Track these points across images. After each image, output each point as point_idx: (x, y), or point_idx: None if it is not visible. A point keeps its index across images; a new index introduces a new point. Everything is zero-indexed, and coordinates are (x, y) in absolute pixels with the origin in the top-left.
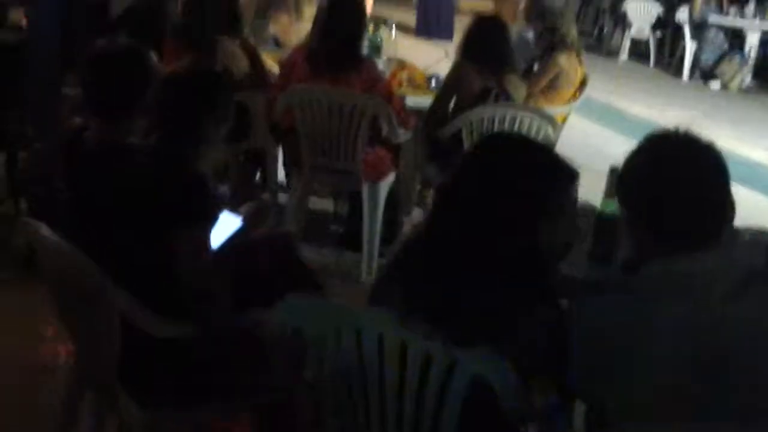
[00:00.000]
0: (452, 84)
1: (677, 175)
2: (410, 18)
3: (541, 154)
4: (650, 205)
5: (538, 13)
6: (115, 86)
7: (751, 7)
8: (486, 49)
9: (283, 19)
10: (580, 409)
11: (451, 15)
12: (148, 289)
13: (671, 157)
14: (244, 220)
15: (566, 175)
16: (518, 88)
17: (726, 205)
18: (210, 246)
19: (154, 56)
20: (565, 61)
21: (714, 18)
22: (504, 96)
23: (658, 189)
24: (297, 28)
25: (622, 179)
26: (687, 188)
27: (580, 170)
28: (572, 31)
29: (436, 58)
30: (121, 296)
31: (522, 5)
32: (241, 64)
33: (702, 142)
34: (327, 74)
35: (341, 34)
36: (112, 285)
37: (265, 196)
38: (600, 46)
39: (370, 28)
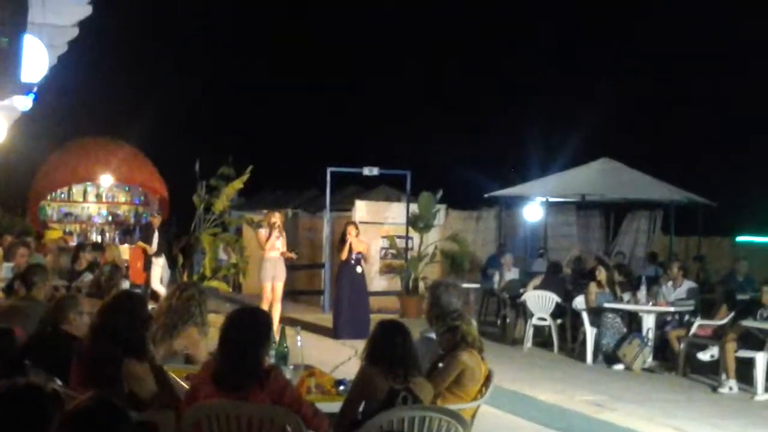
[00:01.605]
0: (359, 389)
1: None
2: (318, 318)
3: None
4: None
5: (439, 314)
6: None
7: (643, 292)
8: (390, 354)
9: (193, 334)
10: None
11: (367, 315)
12: None
13: None
14: None
15: None
16: (425, 389)
17: None
18: None
19: (57, 385)
20: (468, 358)
21: (609, 304)
22: (412, 397)
23: None
24: (208, 343)
25: None
26: None
27: None
28: (473, 330)
29: (345, 357)
30: None
31: (424, 305)
32: (148, 386)
33: None
34: (232, 392)
35: (242, 352)
36: None
37: None
38: (504, 335)
39: (276, 336)
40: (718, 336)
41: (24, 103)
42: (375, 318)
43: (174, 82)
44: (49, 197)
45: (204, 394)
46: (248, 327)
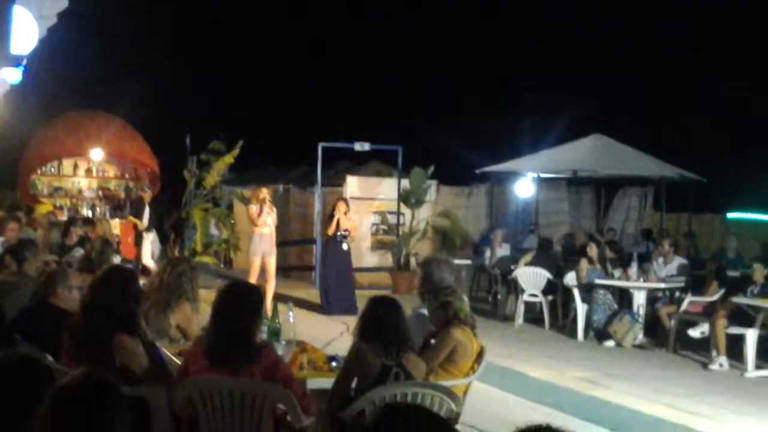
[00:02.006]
0: (351, 365)
1: None
2: (309, 294)
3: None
4: None
5: (431, 290)
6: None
7: (634, 269)
8: (382, 330)
9: (186, 309)
10: None
11: (352, 291)
12: None
13: None
14: None
15: None
16: (417, 366)
17: None
18: None
19: (48, 359)
20: (460, 334)
21: (600, 281)
22: (404, 374)
23: None
24: (199, 319)
25: None
26: None
27: None
28: (465, 306)
29: (337, 333)
30: None
31: (416, 281)
32: (140, 361)
33: None
34: (225, 367)
35: (234, 327)
36: None
37: None
38: (495, 312)
39: (268, 313)
40: (708, 313)
41: (13, 75)
42: (367, 294)
43: (165, 56)
44: (39, 171)
45: (196, 369)
46: (241, 302)
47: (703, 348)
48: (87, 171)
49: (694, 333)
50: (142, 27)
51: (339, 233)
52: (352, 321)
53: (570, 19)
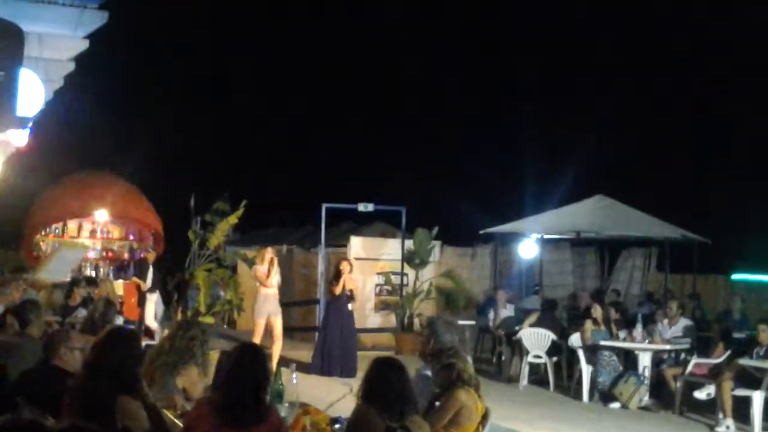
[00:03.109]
0: (355, 428)
1: None
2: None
3: None
4: None
5: (434, 351)
6: None
7: (639, 330)
8: (386, 392)
9: (192, 373)
10: None
11: (355, 353)
12: None
13: None
14: None
15: None
16: (422, 428)
17: None
18: None
19: (50, 422)
20: (464, 396)
21: (605, 342)
22: None
23: None
24: (205, 383)
25: None
26: None
27: None
28: (469, 368)
29: (340, 395)
30: None
31: (419, 342)
32: (142, 423)
33: None
34: (232, 426)
35: (248, 386)
36: None
37: None
38: (499, 372)
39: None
40: (714, 374)
41: (20, 137)
42: (370, 355)
43: (169, 117)
44: (43, 232)
45: (202, 430)
46: (256, 364)
47: (709, 410)
48: (91, 232)
49: (700, 395)
50: (146, 88)
51: (345, 293)
52: (355, 382)
53: (572, 72)
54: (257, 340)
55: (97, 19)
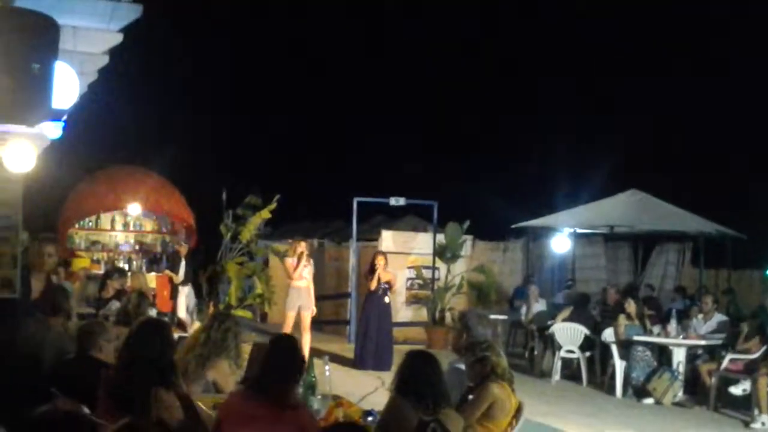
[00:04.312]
0: (389, 420)
1: None
2: (343, 349)
3: None
4: None
5: (468, 345)
6: None
7: (673, 325)
8: (419, 384)
9: (223, 366)
10: None
11: (390, 346)
12: None
13: None
14: None
15: None
16: (455, 421)
17: None
18: None
19: (87, 413)
20: (498, 390)
21: (639, 337)
22: (441, 429)
23: None
24: (236, 376)
25: None
26: None
27: None
28: (502, 362)
29: (372, 388)
30: None
31: (451, 335)
32: (176, 414)
33: None
34: (264, 413)
35: (281, 373)
36: None
37: None
38: (532, 367)
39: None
40: (750, 370)
41: (54, 130)
42: (401, 349)
43: (202, 111)
44: (77, 225)
45: (234, 419)
46: (291, 351)
47: (744, 406)
48: (124, 225)
49: (736, 390)
50: (180, 82)
51: (381, 287)
52: (387, 376)
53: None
54: (287, 332)
55: (131, 13)
